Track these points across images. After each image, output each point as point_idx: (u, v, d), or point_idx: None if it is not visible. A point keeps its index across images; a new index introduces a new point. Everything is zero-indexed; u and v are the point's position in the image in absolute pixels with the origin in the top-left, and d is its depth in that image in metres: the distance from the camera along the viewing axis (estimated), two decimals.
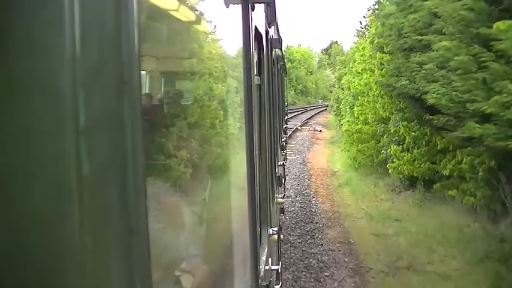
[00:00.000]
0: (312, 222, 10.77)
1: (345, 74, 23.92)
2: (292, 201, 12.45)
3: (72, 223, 0.52)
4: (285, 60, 14.90)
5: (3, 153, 0.52)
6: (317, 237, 9.74)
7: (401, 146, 12.04)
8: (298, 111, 46.54)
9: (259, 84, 3.07)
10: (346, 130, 16.74)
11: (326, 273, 7.84)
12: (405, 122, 12.04)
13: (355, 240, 9.60)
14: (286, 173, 11.13)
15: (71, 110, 0.52)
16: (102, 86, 0.55)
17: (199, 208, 1.33)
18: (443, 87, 6.85)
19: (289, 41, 72.07)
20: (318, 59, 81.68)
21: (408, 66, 9.82)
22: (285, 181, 8.66)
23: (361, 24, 19.70)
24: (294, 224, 10.56)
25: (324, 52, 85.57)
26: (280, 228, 4.49)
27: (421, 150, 11.55)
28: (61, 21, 0.51)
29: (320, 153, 21.85)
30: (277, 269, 2.79)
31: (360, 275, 7.85)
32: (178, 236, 1.16)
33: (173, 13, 1.02)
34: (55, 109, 0.52)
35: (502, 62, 5.48)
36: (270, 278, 2.53)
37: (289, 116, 31.77)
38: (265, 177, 3.05)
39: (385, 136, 13.71)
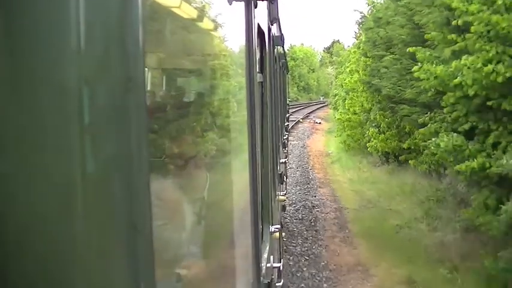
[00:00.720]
0: (308, 184, 14.57)
1: (341, 73, 27.58)
2: (294, 171, 16.24)
3: (76, 219, 0.52)
4: (288, 58, 16.99)
5: (8, 150, 0.51)
6: (312, 192, 13.52)
7: (377, 129, 15.77)
8: (300, 106, 49.97)
9: (261, 82, 3.08)
10: (338, 119, 20.49)
11: (317, 209, 11.63)
12: (381, 111, 15.73)
13: (339, 194, 13.38)
14: (289, 153, 14.63)
15: (76, 107, 0.52)
16: (107, 83, 0.55)
17: (202, 205, 1.35)
18: (392, 84, 10.59)
19: (292, 40, 75.11)
20: (320, 57, 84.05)
21: (379, 69, 13.54)
22: (286, 178, 9.21)
23: (358, 26, 22.06)
24: (295, 183, 14.36)
25: (326, 51, 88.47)
26: (281, 226, 4.63)
27: (392, 132, 15.28)
28: (66, 18, 0.51)
29: (318, 140, 25.69)
30: (279, 267, 2.80)
31: (339, 211, 11.63)
32: (181, 233, 1.18)
33: (177, 10, 1.03)
34: (60, 106, 0.52)
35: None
36: (272, 275, 2.56)
37: (292, 110, 35.40)
38: (266, 174, 3.06)
39: (367, 123, 17.41)
